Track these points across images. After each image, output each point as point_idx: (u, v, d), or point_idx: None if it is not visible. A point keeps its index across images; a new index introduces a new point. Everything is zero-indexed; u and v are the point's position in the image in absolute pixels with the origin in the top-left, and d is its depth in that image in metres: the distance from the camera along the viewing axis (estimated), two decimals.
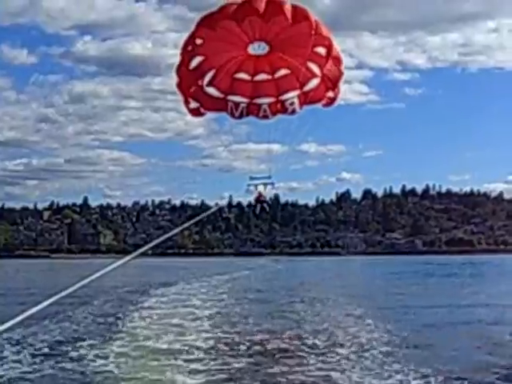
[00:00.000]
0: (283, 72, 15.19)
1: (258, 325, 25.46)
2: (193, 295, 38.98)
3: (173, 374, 15.93)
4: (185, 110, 16.04)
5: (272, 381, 15.42)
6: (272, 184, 15.85)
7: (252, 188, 15.95)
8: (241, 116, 15.81)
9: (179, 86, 15.81)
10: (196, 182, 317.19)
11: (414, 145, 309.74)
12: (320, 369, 16.62)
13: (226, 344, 20.47)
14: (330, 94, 15.52)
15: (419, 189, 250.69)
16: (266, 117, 15.60)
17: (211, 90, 15.55)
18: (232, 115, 15.83)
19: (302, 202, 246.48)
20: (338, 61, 15.27)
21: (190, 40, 15.28)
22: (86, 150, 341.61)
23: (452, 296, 40.97)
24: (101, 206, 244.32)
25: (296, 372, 16.28)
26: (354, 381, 15.30)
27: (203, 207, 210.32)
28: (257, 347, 20.10)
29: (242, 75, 15.43)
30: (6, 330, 9.11)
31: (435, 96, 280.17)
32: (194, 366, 16.98)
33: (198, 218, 17.78)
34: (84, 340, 20.93)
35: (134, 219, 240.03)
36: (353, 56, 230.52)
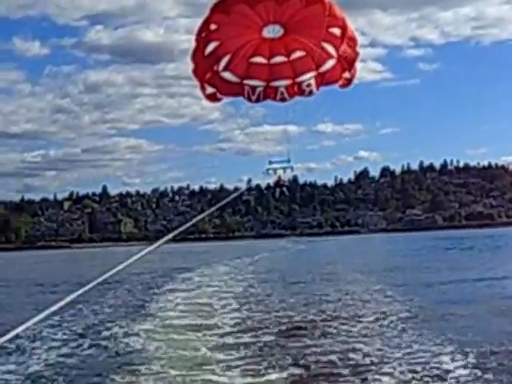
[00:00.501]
0: (299, 54, 15.30)
1: (282, 302, 26.03)
2: (216, 278, 39.49)
3: (206, 350, 16.47)
4: (200, 94, 16.20)
5: (301, 353, 15.90)
6: (291, 168, 16.05)
7: (271, 171, 16.19)
8: (258, 100, 15.92)
9: (195, 72, 15.97)
10: (214, 166, 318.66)
11: (430, 120, 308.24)
12: (343, 341, 17.11)
13: (254, 320, 21.03)
14: (347, 74, 15.62)
15: (437, 164, 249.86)
16: (283, 99, 15.71)
17: (227, 75, 15.68)
18: (249, 99, 15.96)
19: (320, 182, 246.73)
20: (353, 41, 15.37)
21: (204, 26, 15.44)
22: (102, 139, 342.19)
23: (471, 270, 41.07)
24: (120, 194, 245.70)
25: (322, 344, 16.79)
26: (376, 352, 15.76)
27: (222, 191, 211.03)
28: (283, 321, 20.71)
29: (258, 59, 15.54)
30: (47, 317, 9.67)
31: (449, 71, 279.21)
32: (224, 340, 17.55)
33: (219, 205, 18.06)
34: (115, 321, 21.64)
35: (154, 206, 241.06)
36: (365, 34, 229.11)
